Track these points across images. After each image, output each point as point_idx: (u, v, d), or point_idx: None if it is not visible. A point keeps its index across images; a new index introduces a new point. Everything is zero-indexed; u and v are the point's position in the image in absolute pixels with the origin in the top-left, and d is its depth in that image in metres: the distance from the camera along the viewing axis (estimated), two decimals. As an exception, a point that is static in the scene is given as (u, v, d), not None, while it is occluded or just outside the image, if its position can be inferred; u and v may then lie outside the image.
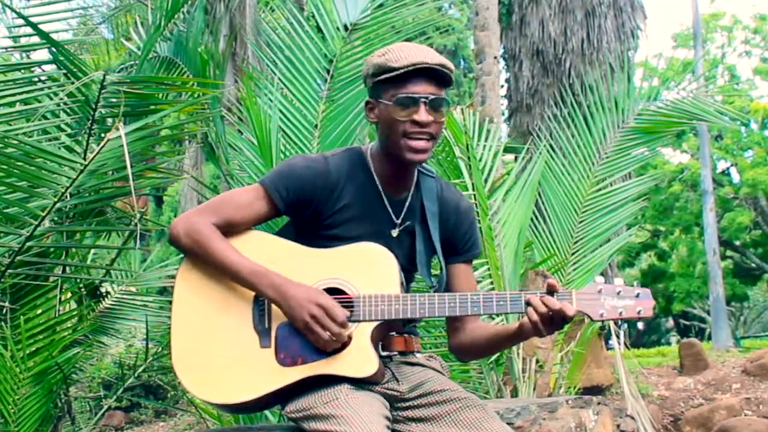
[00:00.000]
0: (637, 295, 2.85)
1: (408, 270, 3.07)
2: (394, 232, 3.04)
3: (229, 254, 2.85)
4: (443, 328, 4.68)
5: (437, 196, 3.14)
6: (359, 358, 2.81)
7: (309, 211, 2.97)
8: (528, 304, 2.81)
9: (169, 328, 2.90)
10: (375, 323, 2.84)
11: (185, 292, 2.92)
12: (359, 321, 2.84)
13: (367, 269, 2.90)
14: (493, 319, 5.77)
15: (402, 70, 2.83)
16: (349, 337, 2.82)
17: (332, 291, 2.86)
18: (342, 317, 2.77)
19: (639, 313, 2.83)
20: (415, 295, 2.87)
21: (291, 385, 2.78)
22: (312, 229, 3.00)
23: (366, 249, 2.92)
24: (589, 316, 2.85)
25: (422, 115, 2.84)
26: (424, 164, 3.11)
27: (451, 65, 2.93)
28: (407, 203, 3.07)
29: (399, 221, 3.05)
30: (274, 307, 2.85)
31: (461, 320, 3.16)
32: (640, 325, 39.13)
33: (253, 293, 2.87)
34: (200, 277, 2.92)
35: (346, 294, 2.86)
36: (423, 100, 2.84)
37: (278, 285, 2.80)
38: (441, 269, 3.15)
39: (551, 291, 2.81)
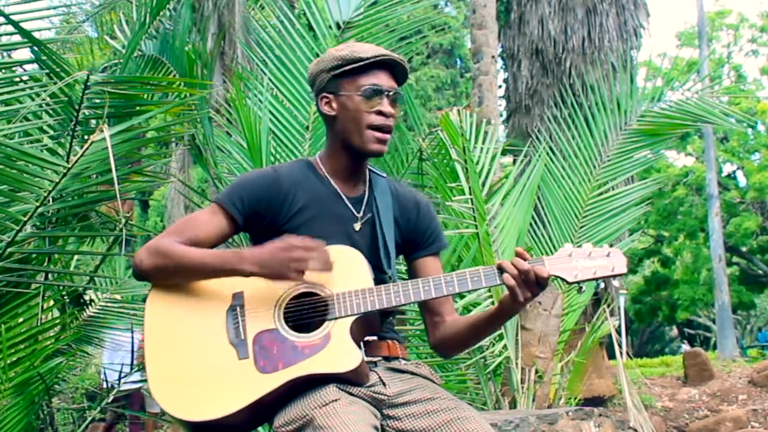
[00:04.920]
0: (608, 255, 2.92)
1: (376, 266, 3.09)
2: (357, 226, 3.12)
3: (194, 252, 2.91)
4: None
5: (392, 193, 3.24)
6: (341, 353, 2.83)
7: (266, 221, 3.05)
8: (501, 271, 2.87)
9: (143, 355, 2.93)
10: (353, 318, 2.88)
11: (156, 316, 2.95)
12: (336, 318, 2.87)
13: (337, 269, 2.93)
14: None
15: (369, 60, 2.99)
16: (328, 336, 2.84)
17: (306, 295, 2.91)
18: (312, 240, 2.84)
19: (613, 270, 2.90)
20: (388, 285, 2.93)
21: (276, 392, 2.79)
22: (271, 239, 3.03)
23: (334, 252, 2.95)
24: (563, 279, 2.91)
25: (386, 106, 3.00)
26: (373, 166, 3.26)
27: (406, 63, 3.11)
28: (365, 199, 3.17)
29: (360, 214, 3.13)
30: (248, 317, 2.88)
31: (441, 314, 3.21)
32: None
33: (224, 308, 2.91)
34: (170, 300, 2.95)
35: (320, 295, 2.90)
36: (387, 93, 3.01)
37: (249, 256, 2.86)
38: (401, 259, 3.24)
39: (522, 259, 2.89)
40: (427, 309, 3.23)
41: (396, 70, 3.06)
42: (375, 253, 3.11)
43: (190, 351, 2.88)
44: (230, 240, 3.20)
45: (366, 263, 2.97)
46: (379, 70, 3.02)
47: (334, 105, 3.06)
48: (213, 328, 2.90)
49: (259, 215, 3.03)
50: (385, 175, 3.29)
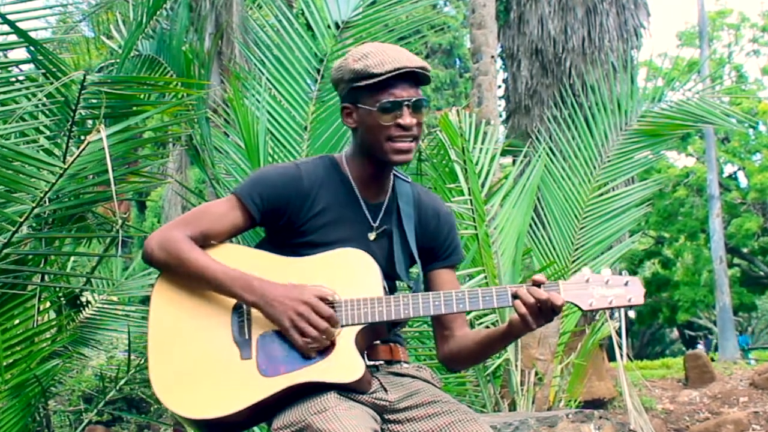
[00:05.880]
0: (626, 283, 2.89)
1: (390, 276, 3.09)
2: (371, 235, 3.09)
3: (206, 262, 2.89)
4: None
5: (414, 200, 3.20)
6: (344, 363, 2.83)
7: (284, 219, 3.02)
8: (515, 297, 2.85)
9: (146, 346, 2.92)
10: (359, 327, 2.87)
11: (162, 307, 2.95)
12: (342, 326, 2.86)
13: (348, 275, 2.94)
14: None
15: (384, 76, 2.90)
16: (333, 343, 2.84)
17: None
18: (329, 311, 2.81)
19: (630, 300, 2.88)
20: (398, 296, 2.91)
21: (276, 396, 2.79)
22: (288, 238, 3.04)
23: (346, 254, 2.97)
24: (578, 306, 2.88)
25: (406, 118, 2.92)
26: (400, 170, 3.21)
27: (428, 66, 3.01)
28: (384, 206, 3.13)
29: (376, 224, 3.10)
30: (253, 317, 2.88)
31: (450, 327, 3.19)
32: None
33: (231, 305, 2.90)
34: (176, 292, 2.95)
35: (328, 301, 2.88)
36: (406, 103, 2.92)
37: (257, 287, 2.84)
38: (419, 271, 3.18)
39: (537, 284, 2.86)
40: (438, 322, 3.22)
41: (416, 75, 2.97)
42: (391, 263, 3.10)
43: (193, 346, 2.87)
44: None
45: (378, 271, 2.96)
46: (397, 80, 2.92)
47: (355, 116, 3.01)
48: (218, 324, 2.89)
49: (278, 213, 3.00)
50: (410, 180, 3.25)
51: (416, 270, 3.23)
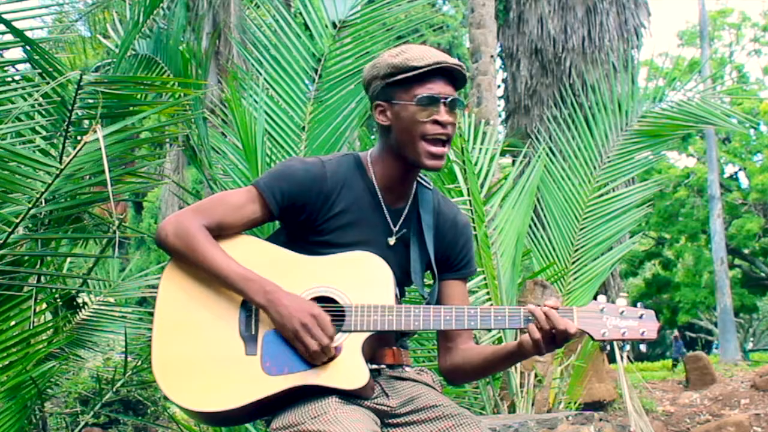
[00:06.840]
0: (641, 316, 2.89)
1: (402, 282, 3.08)
2: (391, 241, 3.07)
3: (219, 258, 2.87)
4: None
5: (434, 208, 3.18)
6: (349, 369, 2.82)
7: (303, 216, 3.00)
8: (529, 320, 2.84)
9: (151, 334, 2.91)
10: (366, 334, 2.86)
11: (170, 294, 2.94)
12: (350, 331, 2.85)
13: (361, 279, 2.93)
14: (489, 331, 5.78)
15: (424, 69, 2.90)
16: (339, 348, 2.83)
17: (323, 299, 2.88)
18: (333, 329, 2.79)
19: (642, 334, 2.87)
20: (409, 307, 2.89)
21: (276, 395, 2.79)
22: (305, 234, 3.02)
23: (361, 258, 2.95)
24: (590, 335, 2.87)
25: (443, 115, 2.91)
26: (423, 176, 3.19)
27: (464, 66, 3.01)
28: (404, 212, 3.11)
29: (395, 229, 3.08)
30: (262, 313, 2.87)
31: (454, 340, 3.18)
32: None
33: (240, 298, 2.89)
34: (187, 280, 2.93)
35: (338, 303, 2.88)
36: (443, 100, 2.92)
37: (269, 292, 2.82)
38: (434, 281, 3.17)
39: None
40: (442, 333, 3.20)
41: (453, 75, 2.97)
42: (406, 270, 3.10)
43: (198, 336, 2.87)
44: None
45: (392, 278, 2.94)
46: (435, 76, 2.92)
47: (389, 114, 2.99)
48: (225, 316, 2.89)
49: (298, 210, 2.99)
50: (432, 186, 3.24)
51: (428, 273, 3.22)
